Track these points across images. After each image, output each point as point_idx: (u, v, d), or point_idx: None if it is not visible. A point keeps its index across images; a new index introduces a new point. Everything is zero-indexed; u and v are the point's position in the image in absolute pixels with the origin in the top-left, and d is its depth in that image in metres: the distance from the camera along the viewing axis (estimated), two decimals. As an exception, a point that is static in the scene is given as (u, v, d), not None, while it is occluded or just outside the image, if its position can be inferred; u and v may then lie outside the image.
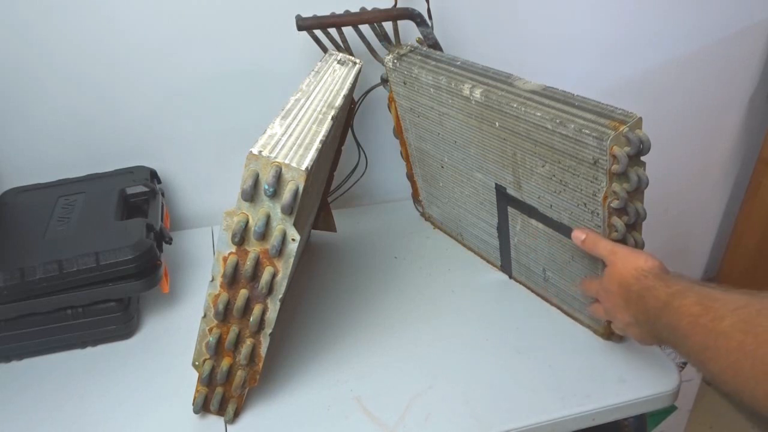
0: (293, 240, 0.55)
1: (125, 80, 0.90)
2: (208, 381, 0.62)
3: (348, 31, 0.87)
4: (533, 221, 0.74)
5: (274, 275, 0.57)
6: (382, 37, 0.88)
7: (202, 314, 0.59)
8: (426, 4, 0.88)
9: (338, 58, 0.78)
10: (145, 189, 0.87)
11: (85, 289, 0.71)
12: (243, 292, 0.57)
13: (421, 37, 0.87)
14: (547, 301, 0.80)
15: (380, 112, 0.98)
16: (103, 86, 0.89)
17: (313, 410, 0.65)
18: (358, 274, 0.88)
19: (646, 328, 0.57)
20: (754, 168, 1.34)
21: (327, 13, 0.85)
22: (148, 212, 0.84)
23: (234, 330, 0.59)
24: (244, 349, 0.60)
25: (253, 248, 0.55)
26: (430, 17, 0.89)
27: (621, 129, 0.56)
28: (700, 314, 0.48)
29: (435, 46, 0.87)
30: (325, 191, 0.90)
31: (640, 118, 0.57)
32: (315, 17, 0.84)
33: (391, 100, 0.87)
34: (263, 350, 0.61)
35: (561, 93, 0.64)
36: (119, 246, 0.72)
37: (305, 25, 0.84)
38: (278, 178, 0.52)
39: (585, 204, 0.63)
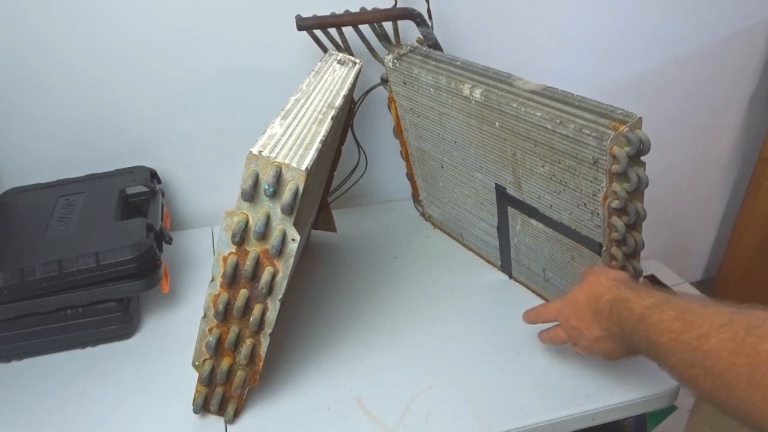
0: (293, 240, 0.55)
1: (125, 80, 0.90)
2: (208, 381, 0.62)
3: (348, 31, 0.87)
4: (533, 221, 0.74)
5: (274, 275, 0.57)
6: (382, 37, 0.88)
7: (202, 314, 0.59)
8: (426, 4, 0.88)
9: (338, 58, 0.78)
10: (145, 189, 0.87)
11: (85, 289, 0.71)
12: (243, 292, 0.57)
13: (421, 37, 0.87)
14: (547, 301, 0.80)
15: (380, 112, 0.98)
16: (103, 86, 0.89)
17: (313, 410, 0.65)
18: (358, 274, 0.88)
19: (620, 340, 0.56)
20: (754, 168, 1.34)
21: (327, 13, 0.85)
22: (148, 212, 0.84)
23: (234, 330, 0.59)
24: (244, 349, 0.60)
25: (253, 248, 0.55)
26: (430, 17, 0.89)
27: (621, 129, 0.56)
28: (682, 330, 0.47)
29: (435, 46, 0.87)
30: (325, 191, 0.90)
31: (640, 118, 0.57)
32: (315, 17, 0.84)
33: (391, 100, 0.87)
34: (263, 350, 0.61)
35: (561, 93, 0.64)
36: (119, 246, 0.72)
37: (305, 25, 0.84)
38: (278, 178, 0.52)
39: (585, 204, 0.63)
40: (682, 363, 0.47)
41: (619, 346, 0.57)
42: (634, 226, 0.62)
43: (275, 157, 0.52)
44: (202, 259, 0.91)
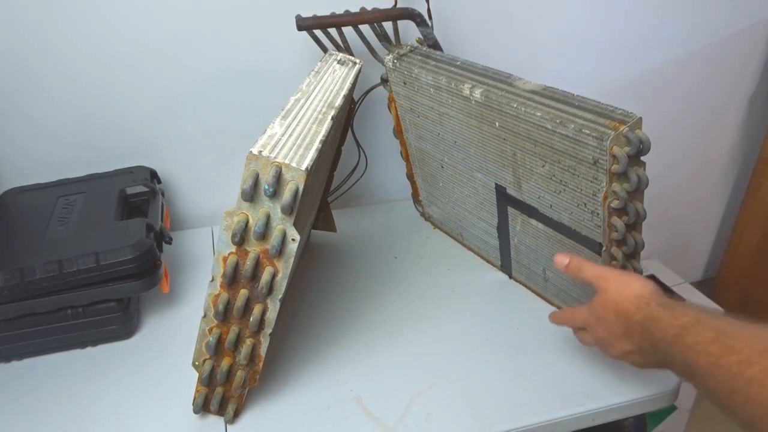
0: (293, 240, 0.55)
1: (125, 80, 0.90)
2: (208, 381, 0.62)
3: (348, 31, 0.87)
4: (533, 221, 0.74)
5: (274, 275, 0.57)
6: (382, 37, 0.88)
7: (202, 314, 0.59)
8: (426, 4, 0.88)
9: (338, 58, 0.78)
10: (145, 189, 0.87)
11: (85, 289, 0.71)
12: (243, 292, 0.57)
13: (421, 37, 0.87)
14: (547, 301, 0.80)
15: (380, 112, 0.98)
16: (103, 86, 0.89)
17: (313, 410, 0.65)
18: (358, 274, 0.88)
19: (653, 357, 0.54)
20: (754, 168, 1.34)
21: (327, 13, 0.85)
22: (148, 212, 0.84)
23: (234, 330, 0.59)
24: (244, 349, 0.60)
25: (253, 248, 0.55)
26: (430, 17, 0.89)
27: (621, 129, 0.56)
28: (720, 354, 0.45)
29: (435, 46, 0.87)
30: (325, 191, 0.90)
31: (640, 118, 0.57)
32: (315, 17, 0.84)
33: (391, 100, 0.87)
34: (263, 350, 0.61)
35: (561, 93, 0.64)
36: (119, 246, 0.72)
37: (305, 25, 0.84)
38: (278, 178, 0.52)
39: (585, 204, 0.63)
40: (721, 388, 0.46)
41: (651, 361, 0.56)
42: (634, 226, 0.62)
43: (275, 157, 0.52)
44: (202, 259, 0.91)
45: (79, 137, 0.92)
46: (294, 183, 0.53)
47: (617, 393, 0.66)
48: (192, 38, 0.89)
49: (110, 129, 0.93)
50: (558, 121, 0.60)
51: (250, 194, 0.53)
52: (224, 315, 0.58)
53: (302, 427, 0.64)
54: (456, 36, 0.98)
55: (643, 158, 0.58)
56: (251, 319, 0.58)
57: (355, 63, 0.78)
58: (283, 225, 0.55)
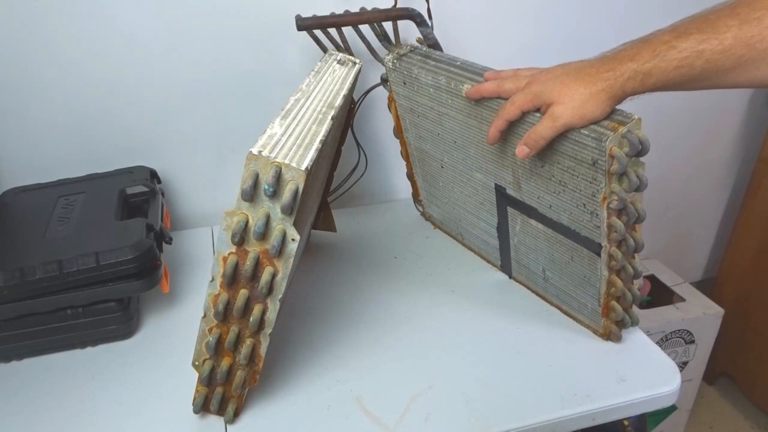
0: (293, 240, 0.55)
1: (125, 80, 0.90)
2: (208, 381, 0.62)
3: (348, 31, 0.87)
4: (533, 221, 0.74)
5: (274, 275, 0.57)
6: (382, 37, 0.88)
7: (202, 314, 0.59)
8: (426, 4, 0.89)
9: (338, 58, 0.78)
10: (145, 189, 0.87)
11: (85, 289, 0.71)
12: (243, 292, 0.57)
13: (421, 37, 0.87)
14: (547, 301, 0.80)
15: (380, 112, 0.98)
16: (103, 86, 0.89)
17: (313, 410, 0.65)
18: (358, 274, 0.88)
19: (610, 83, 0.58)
20: (754, 168, 1.34)
21: (327, 13, 0.85)
22: (148, 212, 0.84)
23: (234, 330, 0.59)
24: (244, 349, 0.60)
25: (253, 248, 0.55)
26: (430, 17, 0.89)
27: (620, 130, 0.56)
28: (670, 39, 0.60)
29: (435, 46, 0.87)
30: (325, 191, 0.90)
31: (639, 119, 0.57)
32: (315, 17, 0.84)
33: (391, 100, 0.87)
34: (263, 350, 0.61)
35: (561, 93, 0.64)
36: (119, 246, 0.72)
37: (305, 25, 0.84)
38: (278, 178, 0.52)
39: (584, 204, 0.63)
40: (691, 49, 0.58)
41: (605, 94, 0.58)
42: (633, 226, 0.62)
43: (275, 157, 0.52)
44: (202, 259, 0.91)
45: (80, 137, 0.92)
46: (294, 183, 0.53)
47: (617, 393, 0.66)
48: (192, 38, 0.89)
49: (110, 129, 0.93)
50: (558, 121, 0.60)
51: (250, 194, 0.53)
52: (224, 315, 0.58)
53: (302, 427, 0.64)
54: (456, 36, 0.98)
55: (642, 158, 0.58)
56: (251, 319, 0.58)
57: (355, 63, 0.78)
58: (283, 225, 0.55)
